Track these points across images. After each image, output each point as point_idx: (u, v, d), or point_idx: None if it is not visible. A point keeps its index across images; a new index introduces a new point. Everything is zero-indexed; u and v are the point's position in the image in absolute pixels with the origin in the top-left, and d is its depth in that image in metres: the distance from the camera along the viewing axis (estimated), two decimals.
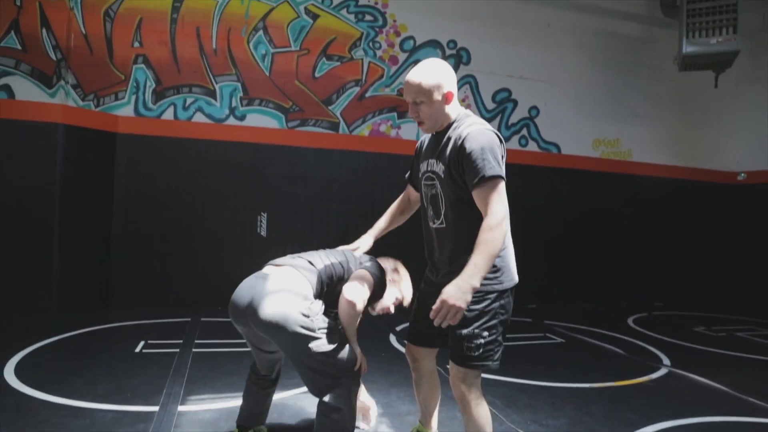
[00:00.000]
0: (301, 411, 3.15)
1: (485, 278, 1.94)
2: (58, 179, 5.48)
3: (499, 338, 2.11)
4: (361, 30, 6.79)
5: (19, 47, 5.51)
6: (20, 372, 3.62)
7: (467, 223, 2.02)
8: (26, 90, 5.55)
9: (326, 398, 2.21)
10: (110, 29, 5.97)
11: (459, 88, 7.09)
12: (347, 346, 2.30)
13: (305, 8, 6.57)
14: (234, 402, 3.23)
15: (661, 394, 3.83)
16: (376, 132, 6.87)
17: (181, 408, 3.12)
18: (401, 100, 6.91)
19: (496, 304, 2.08)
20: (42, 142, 5.42)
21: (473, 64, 7.19)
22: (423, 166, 2.26)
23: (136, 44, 6.07)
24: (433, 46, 7.06)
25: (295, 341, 2.17)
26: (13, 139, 5.34)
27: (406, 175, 2.54)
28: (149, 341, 4.55)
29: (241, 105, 6.39)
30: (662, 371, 4.41)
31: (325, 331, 2.23)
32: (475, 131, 2.01)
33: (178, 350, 4.31)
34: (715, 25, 6.74)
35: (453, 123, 2.13)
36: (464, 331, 2.06)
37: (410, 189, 2.54)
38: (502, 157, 2.04)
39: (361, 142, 6.79)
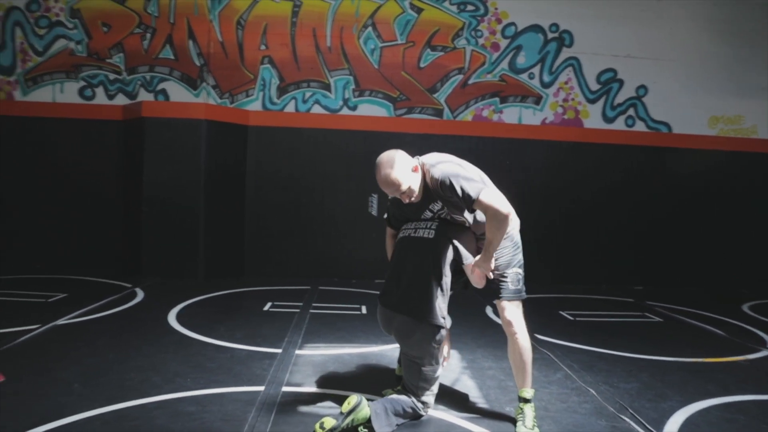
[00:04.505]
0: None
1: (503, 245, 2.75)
2: (203, 168, 6.50)
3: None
4: (464, 20, 7.10)
5: (172, 57, 6.61)
6: (180, 319, 4.59)
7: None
8: (177, 92, 6.66)
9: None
10: (241, 35, 6.88)
11: (561, 71, 7.25)
12: None
13: (410, 3, 7.03)
14: (342, 350, 3.88)
15: (752, 372, 3.82)
16: (479, 117, 7.18)
17: (298, 352, 3.82)
18: (503, 85, 7.16)
19: (519, 255, 2.84)
20: (190, 136, 6.46)
21: (576, 46, 7.20)
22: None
23: (263, 47, 6.94)
24: (534, 31, 7.18)
25: None
26: (169, 135, 6.43)
27: (385, 216, 3.09)
28: (275, 302, 5.39)
29: (353, 96, 7.05)
30: (762, 353, 4.34)
31: None
32: (440, 173, 2.62)
33: (298, 311, 5.08)
34: None
35: (423, 178, 2.70)
36: (508, 271, 2.76)
37: (389, 230, 3.09)
38: (458, 165, 2.75)
39: (465, 127, 7.14)
